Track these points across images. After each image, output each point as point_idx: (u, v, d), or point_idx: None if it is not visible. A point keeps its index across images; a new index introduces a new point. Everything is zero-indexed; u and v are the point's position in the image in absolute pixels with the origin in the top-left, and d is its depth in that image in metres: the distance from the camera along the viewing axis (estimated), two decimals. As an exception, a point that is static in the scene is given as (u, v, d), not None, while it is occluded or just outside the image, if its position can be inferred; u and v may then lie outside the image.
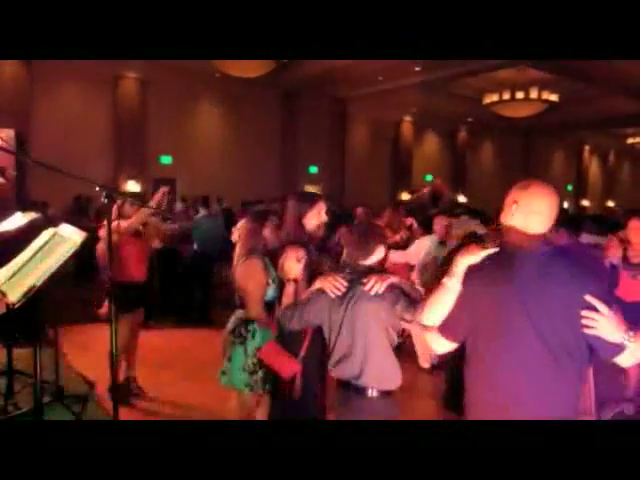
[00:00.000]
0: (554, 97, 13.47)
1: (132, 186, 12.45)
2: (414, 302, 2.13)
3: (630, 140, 21.24)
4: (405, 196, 17.43)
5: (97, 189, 2.33)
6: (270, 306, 2.86)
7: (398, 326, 2.24)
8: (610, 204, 24.11)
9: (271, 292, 2.86)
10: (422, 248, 5.11)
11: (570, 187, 24.51)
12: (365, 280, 2.21)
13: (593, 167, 25.69)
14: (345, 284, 2.26)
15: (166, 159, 13.32)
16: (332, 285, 2.27)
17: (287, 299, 2.58)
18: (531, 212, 1.76)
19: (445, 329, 1.89)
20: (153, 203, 4.17)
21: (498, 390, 1.75)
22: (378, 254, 2.34)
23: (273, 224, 3.07)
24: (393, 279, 2.22)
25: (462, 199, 18.72)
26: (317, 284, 2.35)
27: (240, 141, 14.33)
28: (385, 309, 2.18)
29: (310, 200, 2.89)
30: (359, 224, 2.45)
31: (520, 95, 13.32)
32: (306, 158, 15.38)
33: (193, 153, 13.63)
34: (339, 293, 2.26)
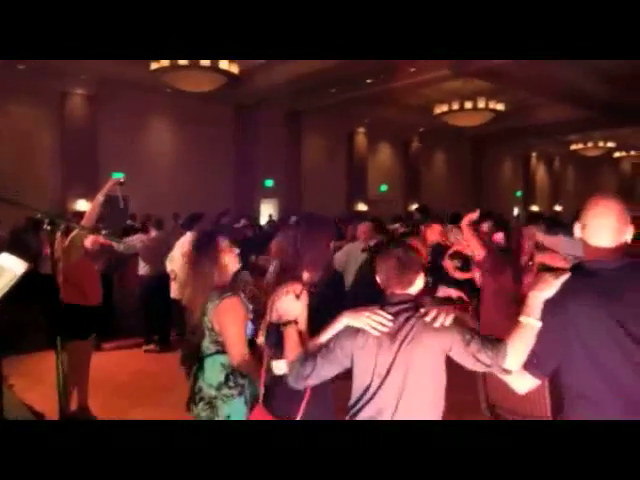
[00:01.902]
0: (500, 106, 13.93)
1: (83, 205, 12.08)
2: (486, 341, 1.83)
3: (573, 146, 22.13)
4: (362, 206, 17.60)
5: (39, 216, 2.23)
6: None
7: (469, 366, 1.86)
8: (557, 208, 25.01)
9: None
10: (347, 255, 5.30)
11: (519, 193, 25.30)
12: (423, 311, 1.89)
13: (540, 173, 26.62)
14: (390, 318, 1.89)
15: (118, 176, 12.99)
16: (374, 321, 1.88)
17: (293, 349, 2.05)
18: (596, 225, 1.75)
19: (533, 366, 1.77)
20: (102, 193, 4.03)
21: (615, 406, 1.69)
22: (418, 284, 2.01)
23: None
24: (453, 310, 1.93)
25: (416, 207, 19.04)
26: (343, 322, 1.96)
27: (194, 156, 14.16)
28: (455, 344, 1.83)
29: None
30: (397, 249, 2.01)
31: (468, 105, 13.71)
32: (261, 172, 15.33)
33: (146, 170, 13.37)
34: (385, 330, 1.87)
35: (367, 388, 1.92)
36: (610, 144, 21.32)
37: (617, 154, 24.39)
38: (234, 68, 10.31)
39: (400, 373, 1.86)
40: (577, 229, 1.81)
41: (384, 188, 19.43)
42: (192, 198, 13.26)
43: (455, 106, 13.91)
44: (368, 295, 2.33)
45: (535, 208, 24.17)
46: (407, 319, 1.89)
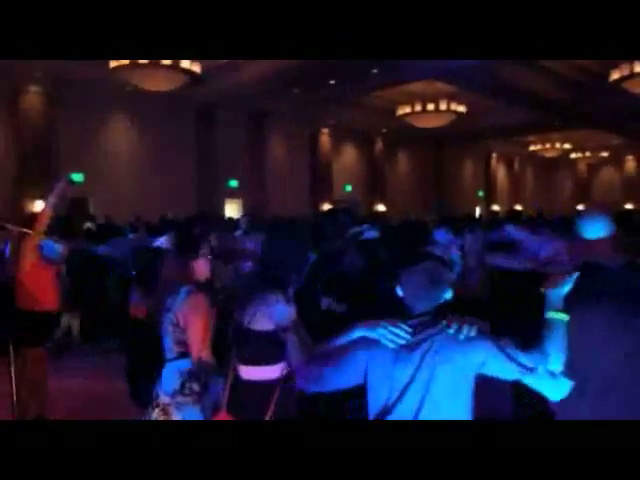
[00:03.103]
0: (462, 108, 14.18)
1: (39, 206, 11.73)
2: (519, 345, 1.74)
3: (532, 147, 22.71)
4: (326, 207, 17.64)
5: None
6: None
7: (509, 375, 1.74)
8: (518, 207, 25.62)
9: None
10: None
11: (481, 193, 25.81)
12: (445, 322, 1.78)
13: (500, 174, 27.21)
14: (409, 330, 1.79)
15: (77, 177, 12.66)
16: (391, 333, 1.78)
17: (297, 354, 1.99)
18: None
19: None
20: (54, 195, 3.92)
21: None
22: (444, 299, 1.88)
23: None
24: (473, 319, 1.81)
25: (382, 208, 19.22)
26: (358, 332, 1.87)
27: (156, 156, 13.91)
28: (490, 356, 1.72)
29: None
30: (427, 262, 1.87)
31: (430, 106, 13.92)
32: (225, 172, 15.19)
33: (107, 170, 13.07)
34: (403, 342, 1.78)
35: (382, 403, 1.81)
36: (567, 145, 21.98)
37: (573, 155, 25.15)
38: (196, 67, 10.18)
39: (420, 389, 1.74)
40: None
41: (348, 188, 19.53)
42: (154, 199, 13.05)
43: (418, 107, 14.10)
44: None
45: (496, 208, 24.70)
46: (428, 332, 1.78)
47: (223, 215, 13.89)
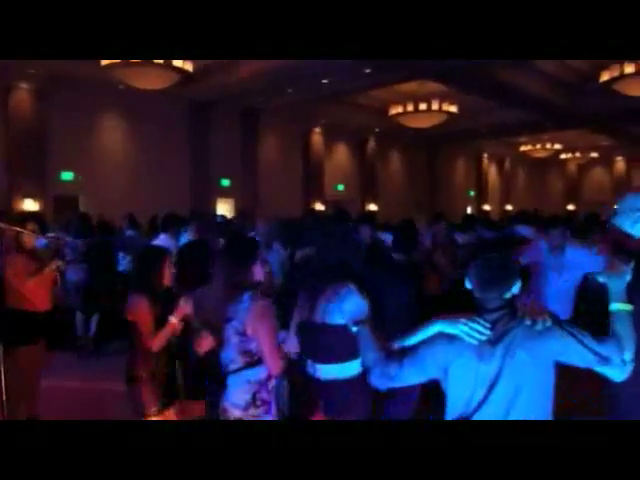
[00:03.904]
0: (454, 108, 14.23)
1: (30, 205, 11.65)
2: (593, 335, 1.76)
3: (523, 148, 22.84)
4: (319, 206, 17.65)
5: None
6: None
7: (586, 364, 1.77)
8: (508, 207, 25.75)
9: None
10: None
11: (472, 193, 25.91)
12: (521, 314, 1.80)
13: (491, 173, 27.33)
14: (488, 325, 1.79)
15: (68, 175, 12.61)
16: (471, 329, 1.78)
17: (371, 348, 1.93)
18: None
19: None
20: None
21: None
22: (514, 290, 1.87)
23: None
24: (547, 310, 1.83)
25: (373, 207, 19.25)
26: (435, 327, 1.86)
27: (148, 155, 13.85)
28: (570, 345, 1.74)
29: None
30: (496, 253, 1.87)
31: (423, 106, 13.95)
32: (217, 171, 15.15)
33: (98, 169, 13.00)
34: (483, 337, 1.78)
35: (466, 399, 1.80)
36: (557, 146, 22.12)
37: (564, 155, 25.30)
38: (188, 66, 10.15)
39: (510, 384, 1.74)
40: None
41: (341, 188, 19.54)
42: (146, 198, 12.98)
43: (410, 107, 14.13)
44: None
45: (487, 207, 24.82)
46: (507, 326, 1.79)
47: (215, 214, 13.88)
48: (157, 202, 12.84)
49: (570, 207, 26.76)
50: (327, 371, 2.15)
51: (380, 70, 11.56)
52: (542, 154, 22.75)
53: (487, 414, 1.77)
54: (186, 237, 5.30)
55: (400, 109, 14.40)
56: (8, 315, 3.86)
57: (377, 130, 19.09)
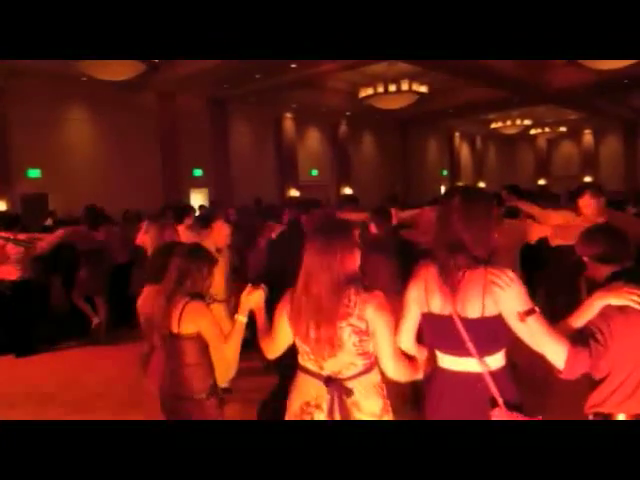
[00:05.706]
0: (423, 88, 14.23)
1: (-5, 204, 11.35)
2: None
3: (493, 125, 23.02)
4: (293, 192, 17.58)
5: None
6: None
7: None
8: (481, 185, 26.03)
9: None
10: None
11: (445, 172, 26.11)
12: None
13: (464, 152, 27.56)
14: None
15: (34, 172, 12.28)
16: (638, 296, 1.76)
17: (552, 338, 1.74)
18: None
19: None
20: None
21: None
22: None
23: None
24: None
25: (348, 190, 19.25)
26: (601, 302, 1.82)
27: (117, 148, 13.56)
28: None
29: None
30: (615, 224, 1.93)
31: (392, 88, 13.90)
32: (189, 161, 14.95)
33: (66, 164, 12.68)
34: None
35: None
36: (527, 122, 22.33)
37: (533, 131, 25.58)
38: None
39: None
40: None
41: (315, 173, 19.49)
42: (119, 191, 12.76)
43: (380, 89, 14.08)
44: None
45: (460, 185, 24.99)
46: None
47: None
48: (129, 196, 12.65)
49: (541, 182, 27.17)
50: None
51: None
52: (512, 130, 22.97)
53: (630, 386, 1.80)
54: None
55: (370, 91, 14.33)
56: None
57: (348, 113, 19.03)
